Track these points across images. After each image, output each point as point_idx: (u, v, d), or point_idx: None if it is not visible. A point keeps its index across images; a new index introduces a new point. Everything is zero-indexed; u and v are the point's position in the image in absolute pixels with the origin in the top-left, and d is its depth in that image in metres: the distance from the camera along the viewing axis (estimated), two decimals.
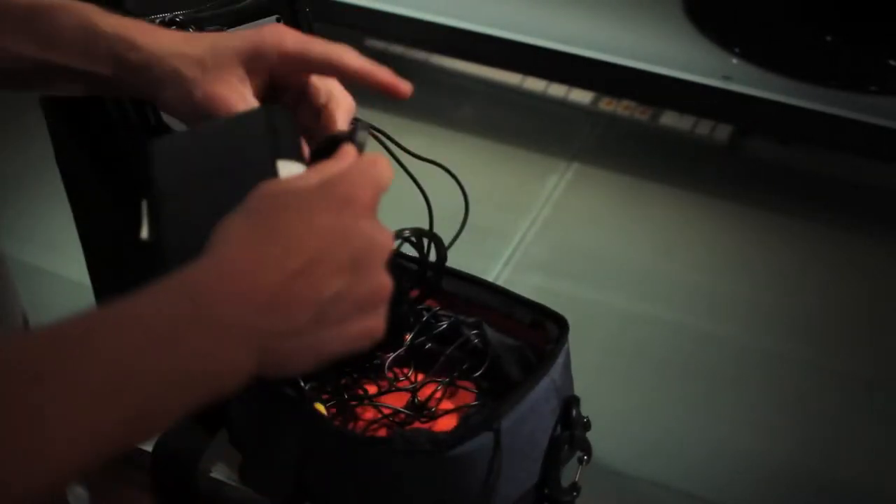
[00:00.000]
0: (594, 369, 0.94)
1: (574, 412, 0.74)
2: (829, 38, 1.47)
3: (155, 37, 0.62)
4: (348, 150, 0.55)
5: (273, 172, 0.54)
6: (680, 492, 0.98)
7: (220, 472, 0.83)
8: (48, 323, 0.44)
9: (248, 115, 0.60)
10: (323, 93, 0.66)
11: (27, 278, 1.22)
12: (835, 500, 1.00)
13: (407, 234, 0.72)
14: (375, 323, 0.50)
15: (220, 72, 0.61)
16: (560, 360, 0.74)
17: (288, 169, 0.55)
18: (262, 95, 0.63)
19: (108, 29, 0.61)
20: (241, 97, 0.61)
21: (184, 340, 0.45)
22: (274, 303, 0.46)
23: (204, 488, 0.82)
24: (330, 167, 0.53)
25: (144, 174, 0.56)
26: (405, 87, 0.64)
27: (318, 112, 0.65)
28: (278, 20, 0.84)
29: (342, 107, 0.66)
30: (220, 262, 0.47)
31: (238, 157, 0.56)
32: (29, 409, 0.41)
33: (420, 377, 0.82)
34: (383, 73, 0.65)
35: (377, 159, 0.53)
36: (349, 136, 0.58)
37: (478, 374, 0.79)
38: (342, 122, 0.64)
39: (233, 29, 0.80)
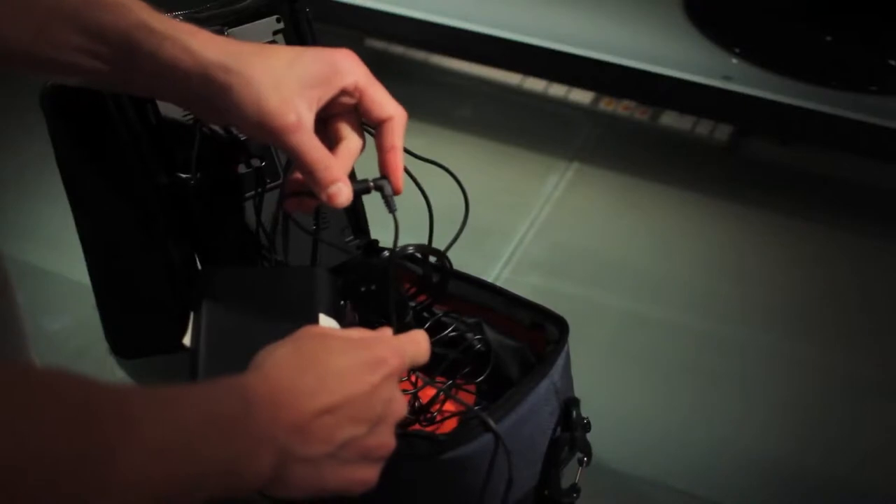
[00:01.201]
0: (594, 369, 0.94)
1: (574, 414, 0.74)
2: (829, 38, 1.47)
3: (242, 58, 0.63)
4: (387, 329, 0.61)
5: (314, 320, 0.62)
6: (680, 492, 0.98)
7: None
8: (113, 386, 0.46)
9: (298, 270, 0.69)
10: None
11: (27, 278, 1.22)
12: (835, 500, 1.00)
13: (411, 250, 0.72)
14: (373, 474, 0.55)
15: (291, 95, 0.64)
16: (560, 361, 0.74)
17: (327, 322, 0.63)
18: (315, 115, 0.66)
19: (206, 55, 0.63)
20: (304, 125, 0.64)
21: (228, 434, 0.48)
22: (302, 428, 0.51)
23: None
24: (371, 332, 0.59)
25: (196, 293, 0.64)
26: (399, 189, 0.69)
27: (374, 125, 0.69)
28: (278, 20, 0.84)
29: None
30: (269, 379, 0.52)
31: (283, 302, 0.64)
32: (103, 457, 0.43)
33: (419, 381, 0.81)
34: (396, 171, 0.68)
35: (420, 339, 0.60)
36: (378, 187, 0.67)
37: (480, 379, 0.79)
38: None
39: (233, 29, 0.80)
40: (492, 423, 0.67)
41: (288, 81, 0.63)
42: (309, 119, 0.64)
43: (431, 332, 0.80)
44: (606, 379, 1.09)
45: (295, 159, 0.64)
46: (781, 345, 1.16)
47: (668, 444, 1.03)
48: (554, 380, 0.72)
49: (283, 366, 0.53)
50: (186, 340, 0.62)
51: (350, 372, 0.54)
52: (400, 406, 0.57)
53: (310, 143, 0.63)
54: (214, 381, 0.51)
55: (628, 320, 1.19)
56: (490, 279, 1.21)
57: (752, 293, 1.23)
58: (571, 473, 0.75)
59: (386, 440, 0.56)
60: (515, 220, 1.31)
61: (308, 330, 0.57)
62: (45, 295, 1.20)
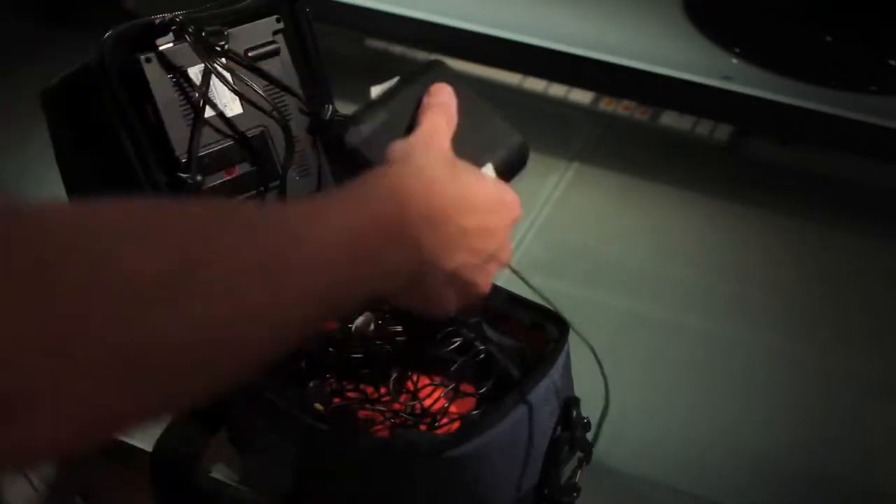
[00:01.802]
0: (594, 369, 0.94)
1: (574, 413, 0.74)
2: (829, 38, 1.47)
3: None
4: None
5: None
6: (680, 492, 0.98)
7: (220, 472, 0.83)
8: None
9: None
10: None
11: None
12: (835, 500, 1.00)
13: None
14: (487, 280, 0.63)
15: None
16: (560, 361, 0.74)
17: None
18: None
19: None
20: None
21: (385, 237, 0.53)
22: (445, 242, 0.57)
23: (204, 488, 0.82)
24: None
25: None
26: None
27: None
28: (278, 20, 0.84)
29: None
30: (425, 184, 0.58)
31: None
32: (282, 261, 0.46)
33: (423, 381, 0.81)
34: None
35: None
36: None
37: (482, 390, 0.78)
38: None
39: (233, 29, 0.80)
40: (492, 422, 0.67)
41: None
42: None
43: (431, 334, 0.80)
44: (606, 379, 1.09)
45: None
46: (781, 344, 1.16)
47: (668, 443, 1.03)
48: (554, 379, 0.72)
49: (440, 180, 0.59)
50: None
51: (493, 208, 0.65)
52: (507, 254, 0.68)
53: None
54: (369, 183, 0.55)
55: (628, 320, 1.19)
56: None
57: (752, 293, 1.23)
58: (571, 473, 0.75)
59: (486, 281, 0.63)
60: None
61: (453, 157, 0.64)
62: None
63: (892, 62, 1.43)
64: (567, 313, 0.79)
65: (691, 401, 1.09)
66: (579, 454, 0.76)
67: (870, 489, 1.01)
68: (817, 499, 1.00)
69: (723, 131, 1.49)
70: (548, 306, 0.78)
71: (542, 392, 0.71)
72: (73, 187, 0.83)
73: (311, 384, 0.77)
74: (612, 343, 1.17)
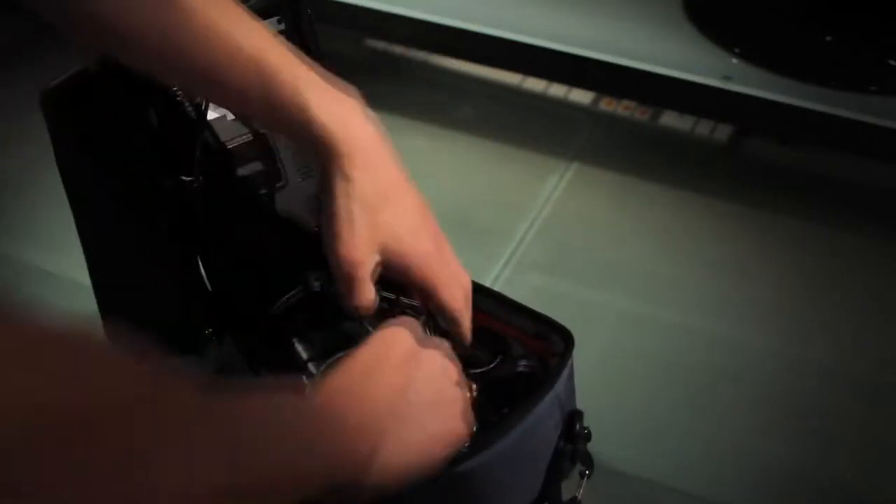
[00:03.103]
0: (594, 369, 0.94)
1: (577, 426, 0.73)
2: (829, 38, 1.47)
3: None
4: None
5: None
6: (680, 492, 0.98)
7: None
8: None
9: None
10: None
11: (27, 278, 1.22)
12: (834, 500, 1.00)
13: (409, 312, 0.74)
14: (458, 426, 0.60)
15: (368, 244, 0.66)
16: (564, 373, 0.73)
17: None
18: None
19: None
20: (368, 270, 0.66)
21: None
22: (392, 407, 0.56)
23: None
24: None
25: None
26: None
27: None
28: (279, 21, 0.84)
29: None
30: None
31: None
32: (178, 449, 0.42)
33: None
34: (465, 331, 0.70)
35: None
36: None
37: (504, 411, 0.77)
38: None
39: None
40: (498, 436, 0.66)
41: (375, 233, 0.65)
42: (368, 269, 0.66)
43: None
44: (606, 377, 1.09)
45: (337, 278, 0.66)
46: (782, 344, 1.16)
47: (668, 444, 1.03)
48: (558, 392, 0.72)
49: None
50: None
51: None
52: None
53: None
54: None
55: (628, 320, 1.19)
56: (490, 279, 1.21)
57: (753, 293, 1.23)
58: (572, 486, 0.75)
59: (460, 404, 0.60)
60: (515, 220, 1.31)
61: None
62: (45, 295, 1.20)
63: (892, 62, 1.43)
64: (567, 313, 0.79)
65: (691, 400, 1.09)
66: (580, 467, 0.75)
67: (870, 489, 1.01)
68: (817, 499, 1.00)
69: (723, 131, 1.49)
70: (551, 318, 0.77)
71: (547, 406, 0.70)
72: (73, 189, 0.83)
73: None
74: (612, 342, 1.17)
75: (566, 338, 0.76)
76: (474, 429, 0.63)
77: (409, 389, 0.56)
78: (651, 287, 1.24)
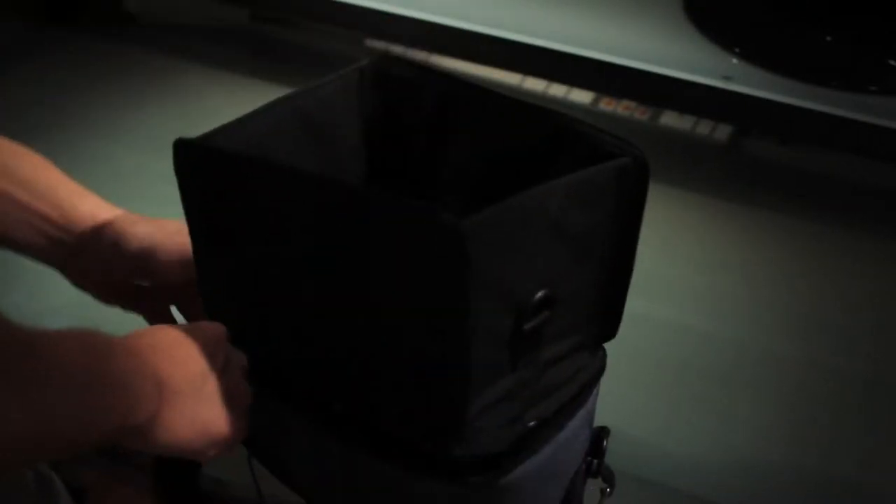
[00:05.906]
0: None
1: (605, 443, 0.73)
2: (829, 38, 1.47)
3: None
4: None
5: None
6: (680, 492, 0.98)
7: (220, 472, 0.83)
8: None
9: None
10: None
11: (27, 278, 1.22)
12: (835, 500, 1.00)
13: None
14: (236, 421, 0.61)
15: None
16: (595, 390, 0.73)
17: None
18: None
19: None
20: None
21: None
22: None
23: (204, 488, 0.82)
24: None
25: None
26: None
27: None
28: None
29: None
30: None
31: None
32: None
33: None
34: None
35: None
36: None
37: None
38: None
39: None
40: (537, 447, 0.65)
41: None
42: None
43: None
44: (605, 377, 1.09)
45: None
46: (781, 344, 1.16)
47: (668, 444, 1.03)
48: (588, 408, 0.71)
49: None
50: None
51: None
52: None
53: None
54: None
55: (628, 320, 1.19)
56: None
57: (752, 292, 1.23)
58: (591, 501, 0.75)
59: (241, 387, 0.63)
60: None
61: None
62: (45, 295, 1.20)
63: (892, 62, 1.43)
64: None
65: (691, 400, 1.09)
66: (602, 484, 0.75)
67: (870, 489, 1.01)
68: (817, 499, 1.00)
69: (723, 131, 1.49)
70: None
71: (578, 421, 0.70)
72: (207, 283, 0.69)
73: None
74: (612, 342, 1.17)
75: (602, 356, 0.76)
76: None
77: (208, 376, 0.59)
78: (650, 287, 1.23)
